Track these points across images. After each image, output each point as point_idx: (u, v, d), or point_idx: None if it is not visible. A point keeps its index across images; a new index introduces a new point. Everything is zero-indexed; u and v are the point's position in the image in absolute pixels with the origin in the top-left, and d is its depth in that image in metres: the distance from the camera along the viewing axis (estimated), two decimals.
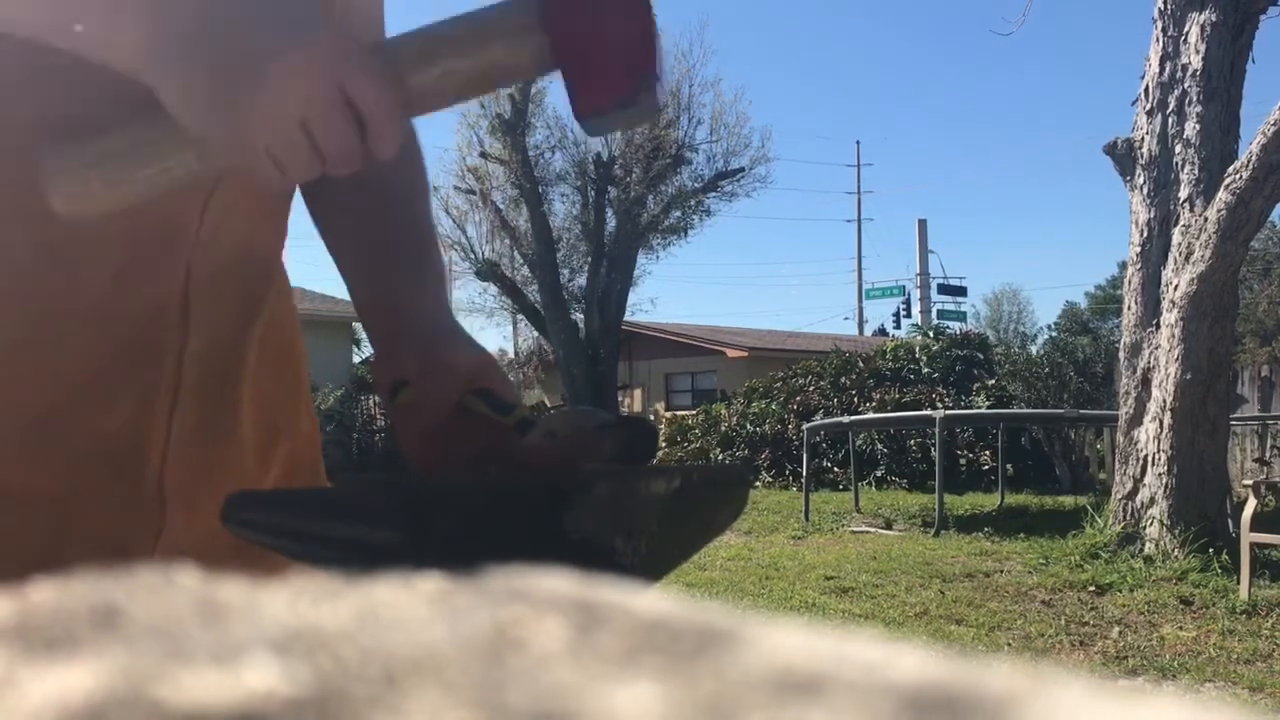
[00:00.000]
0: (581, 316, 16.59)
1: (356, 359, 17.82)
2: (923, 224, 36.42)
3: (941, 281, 35.62)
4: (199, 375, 0.69)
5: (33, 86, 0.62)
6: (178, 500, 0.68)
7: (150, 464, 0.67)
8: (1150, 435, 5.38)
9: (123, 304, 0.65)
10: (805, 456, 8.56)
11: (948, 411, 9.39)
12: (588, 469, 0.61)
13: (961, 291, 35.60)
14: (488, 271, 17.01)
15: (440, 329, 0.71)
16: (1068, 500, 8.45)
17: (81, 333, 0.64)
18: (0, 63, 0.61)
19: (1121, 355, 5.77)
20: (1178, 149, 5.45)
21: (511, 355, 23.34)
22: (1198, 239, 5.17)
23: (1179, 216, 5.38)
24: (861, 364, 12.94)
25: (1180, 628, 4.08)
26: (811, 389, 12.76)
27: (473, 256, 17.15)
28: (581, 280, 16.84)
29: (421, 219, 0.80)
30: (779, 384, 13.21)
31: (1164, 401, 5.29)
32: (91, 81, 0.62)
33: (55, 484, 0.64)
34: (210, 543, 0.68)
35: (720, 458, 12.08)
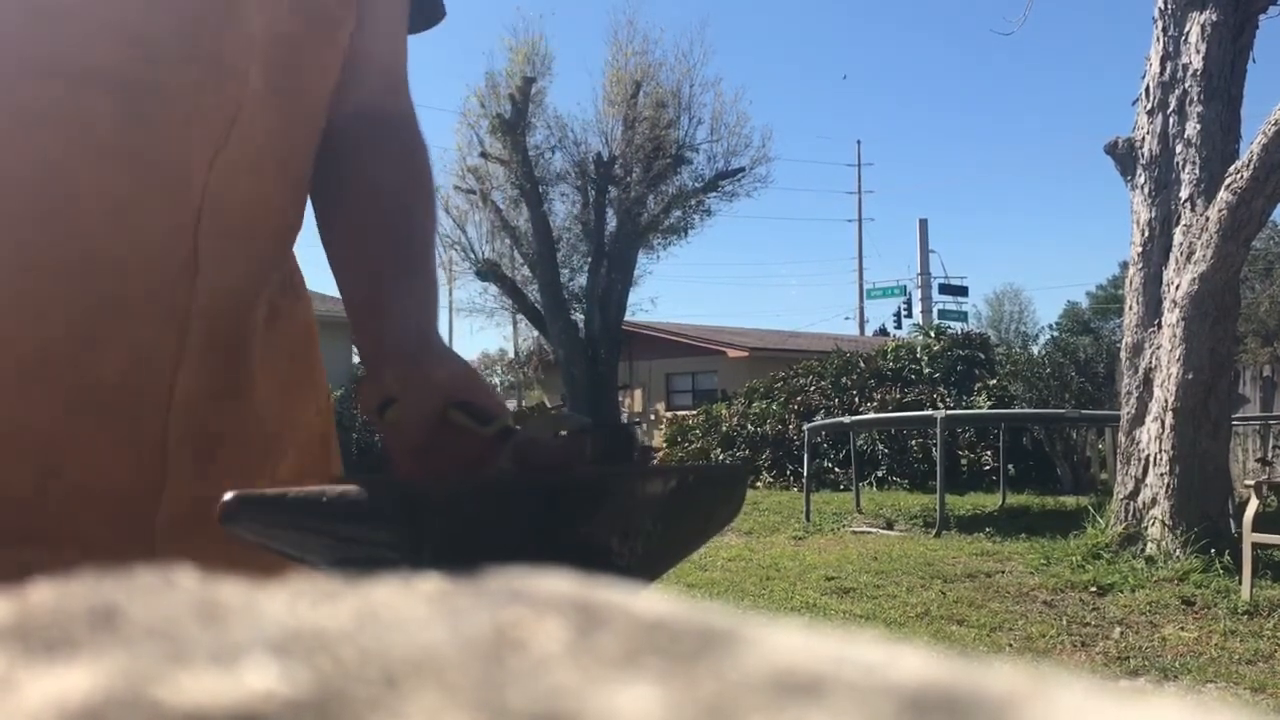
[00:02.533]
0: (582, 316, 16.59)
1: (356, 359, 17.79)
2: (924, 223, 36.46)
3: (942, 281, 35.63)
4: (207, 334, 0.69)
5: (23, 26, 0.62)
6: (183, 459, 0.68)
7: (149, 418, 0.67)
8: (1152, 435, 5.38)
9: (121, 250, 0.65)
10: (806, 457, 8.56)
11: (949, 411, 9.39)
12: (584, 470, 0.61)
13: (963, 291, 35.61)
14: (488, 271, 17.01)
15: (424, 345, 0.71)
16: (1069, 500, 8.45)
17: (74, 276, 0.64)
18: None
19: (1123, 355, 5.77)
20: (1179, 149, 5.45)
21: (511, 355, 23.36)
22: (1199, 239, 5.17)
23: (1180, 216, 5.38)
24: (862, 364, 12.94)
25: (1182, 628, 4.08)
26: (812, 389, 12.76)
27: (473, 256, 17.16)
28: (582, 280, 16.84)
29: (419, 234, 0.80)
30: (780, 384, 13.21)
31: (1166, 401, 5.29)
32: (89, 20, 0.62)
33: (44, 425, 0.63)
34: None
35: (721, 458, 12.08)
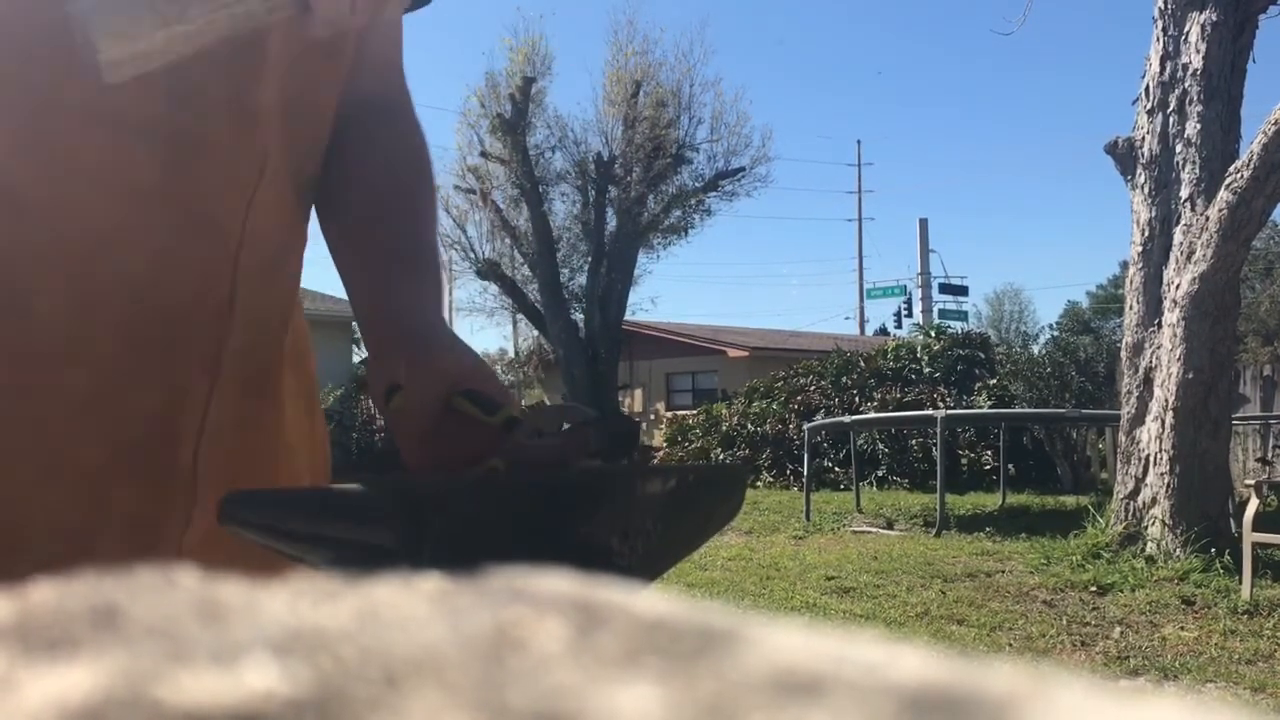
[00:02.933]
0: (582, 316, 16.60)
1: (356, 359, 17.83)
2: (924, 223, 36.44)
3: (943, 281, 35.63)
4: (237, 369, 0.71)
5: (64, 73, 0.63)
6: (209, 490, 0.69)
7: (184, 452, 0.69)
8: (1152, 435, 5.38)
9: (163, 295, 0.67)
10: (806, 456, 8.56)
11: (949, 411, 9.39)
12: (584, 468, 0.61)
13: (963, 291, 35.60)
14: (488, 271, 17.01)
15: (431, 333, 0.72)
16: (1069, 500, 8.45)
17: (120, 320, 0.66)
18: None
19: (1123, 355, 5.77)
20: (1179, 148, 5.45)
21: (511, 355, 23.37)
22: (1199, 238, 5.17)
23: (1180, 216, 5.38)
24: (863, 363, 12.94)
25: (1182, 628, 4.07)
26: (813, 389, 12.76)
27: (473, 256, 17.16)
28: (582, 279, 16.84)
29: (423, 228, 0.81)
30: (780, 384, 13.21)
31: (1166, 401, 5.29)
32: None
33: (92, 461, 0.66)
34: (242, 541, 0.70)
35: (721, 457, 12.08)
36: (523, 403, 0.72)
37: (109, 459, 0.66)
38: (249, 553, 0.54)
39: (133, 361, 0.66)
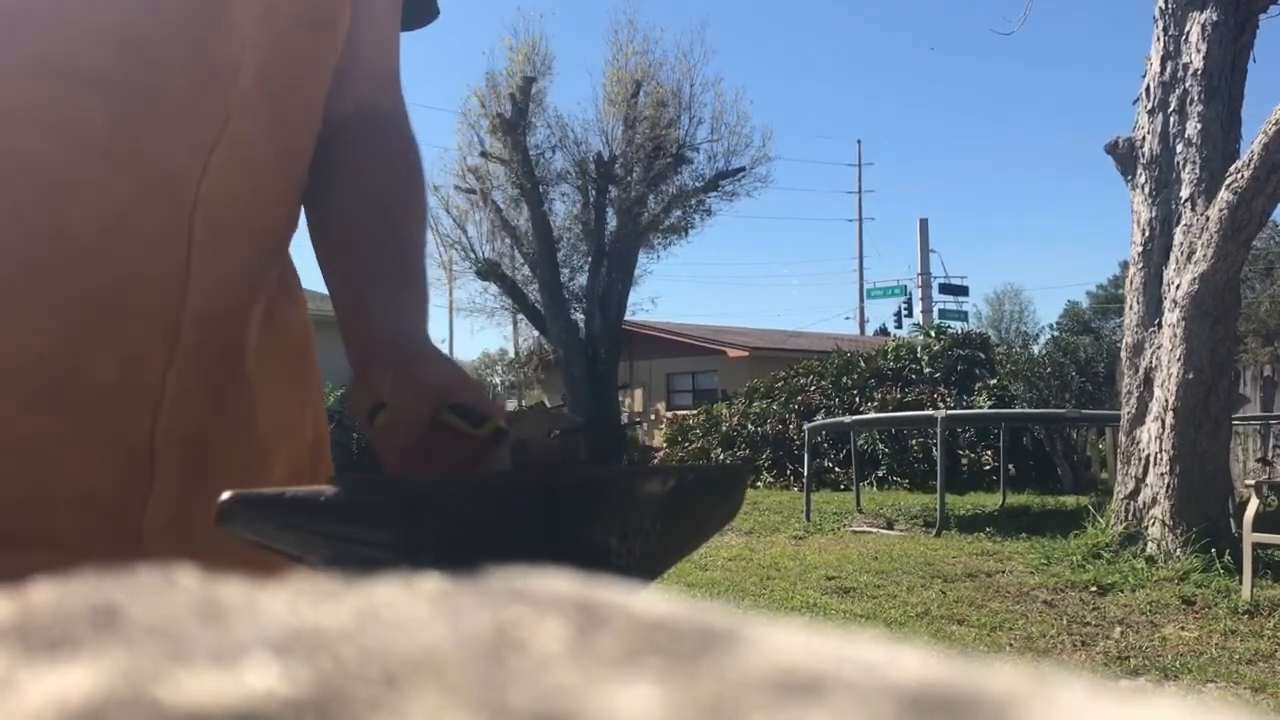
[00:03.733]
0: (582, 316, 16.58)
1: None
2: (924, 223, 36.45)
3: (943, 281, 35.63)
4: (199, 339, 0.69)
5: (11, 27, 0.62)
6: (170, 464, 0.67)
7: (138, 422, 0.66)
8: (1152, 435, 5.38)
9: (114, 255, 0.65)
10: (806, 456, 8.56)
11: (949, 411, 9.39)
12: (582, 469, 0.61)
13: (963, 291, 35.60)
14: (488, 271, 17.00)
15: (414, 348, 0.71)
16: (1069, 500, 8.45)
17: (70, 280, 0.64)
18: None
19: (1123, 355, 5.77)
20: (1179, 148, 5.45)
21: (512, 355, 23.37)
22: (1199, 238, 5.17)
23: (1180, 216, 5.38)
24: (863, 364, 12.94)
25: (1182, 628, 4.07)
26: (813, 389, 12.76)
27: (473, 256, 17.15)
28: (582, 280, 16.84)
29: (410, 244, 0.80)
30: (780, 384, 13.21)
31: (1166, 401, 5.29)
32: (78, 20, 0.62)
33: (33, 426, 0.63)
34: (207, 519, 0.68)
35: (721, 457, 12.08)
36: (523, 403, 0.71)
37: (53, 427, 0.63)
38: (219, 544, 0.53)
39: (80, 323, 0.64)
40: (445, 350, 0.84)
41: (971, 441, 11.00)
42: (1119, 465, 5.72)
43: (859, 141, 67.07)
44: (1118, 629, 4.10)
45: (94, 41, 0.63)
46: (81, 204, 0.64)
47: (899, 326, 31.81)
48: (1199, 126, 5.35)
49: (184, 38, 0.66)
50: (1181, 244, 5.31)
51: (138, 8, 0.65)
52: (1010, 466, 9.74)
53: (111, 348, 0.65)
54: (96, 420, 0.65)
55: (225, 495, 0.49)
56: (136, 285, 0.66)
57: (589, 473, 0.61)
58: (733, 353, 20.80)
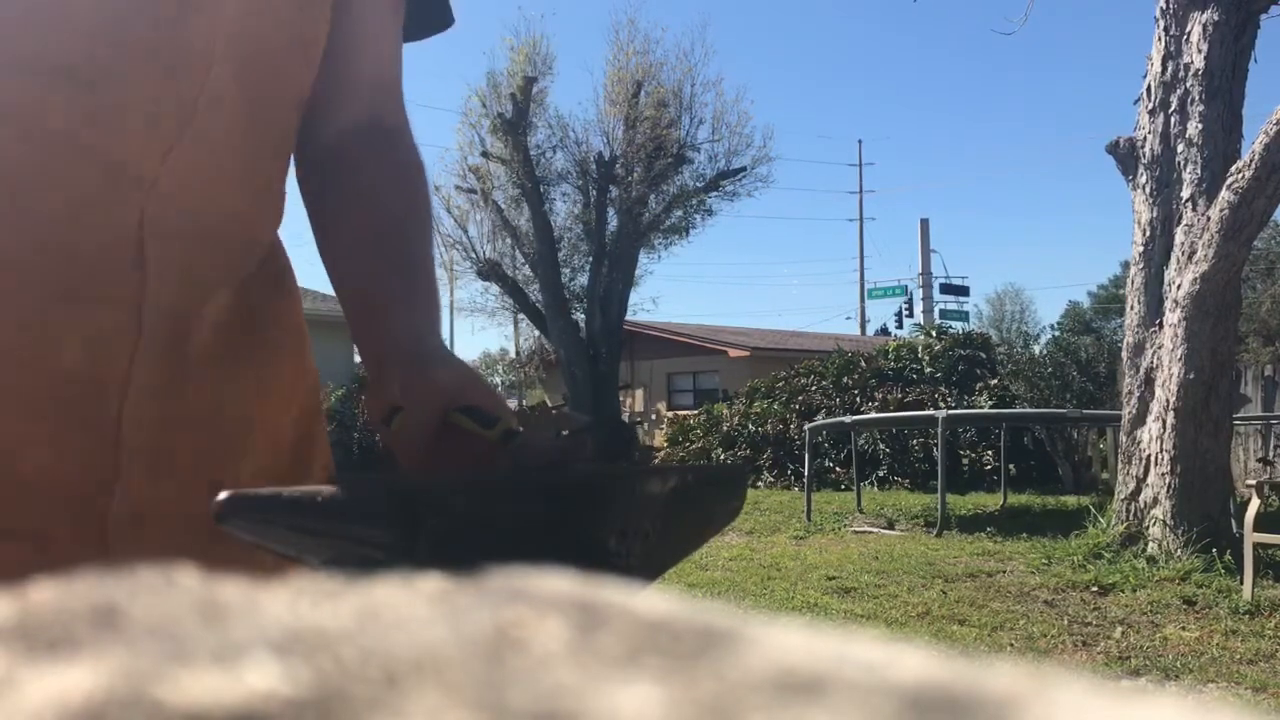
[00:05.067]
0: (583, 316, 16.59)
1: (358, 359, 17.78)
2: (925, 223, 36.45)
3: (944, 281, 35.63)
4: (162, 330, 0.68)
5: None
6: (136, 455, 0.67)
7: (103, 411, 0.66)
8: (1153, 435, 5.38)
9: (70, 243, 0.65)
10: (807, 456, 8.56)
11: (950, 411, 9.39)
12: (583, 469, 0.61)
13: (964, 291, 35.60)
14: (489, 271, 17.01)
15: (426, 352, 0.71)
16: (1070, 500, 8.45)
17: (27, 267, 0.64)
18: None
19: (1124, 355, 5.77)
20: (1180, 148, 5.44)
21: (513, 355, 23.37)
22: (1200, 238, 5.17)
23: (1181, 216, 5.38)
24: (864, 364, 12.94)
25: (1183, 628, 4.07)
26: (814, 389, 12.76)
27: (474, 256, 17.15)
28: (583, 280, 16.84)
29: (417, 249, 0.80)
30: (781, 384, 13.21)
31: (1167, 401, 5.28)
32: (42, 12, 0.62)
33: (0, 417, 0.63)
34: (174, 509, 0.67)
35: (722, 457, 12.08)
36: (524, 403, 0.72)
37: (16, 415, 0.63)
38: (183, 535, 0.53)
39: (45, 311, 0.64)
40: None
41: (972, 441, 10.99)
42: (1120, 465, 5.72)
43: (859, 141, 67.07)
44: (1119, 629, 4.10)
45: (63, 32, 0.63)
46: (43, 196, 0.64)
47: (900, 326, 31.84)
48: (1200, 126, 5.35)
49: (147, 32, 0.66)
50: (1182, 244, 5.31)
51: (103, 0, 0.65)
52: (1011, 466, 9.74)
53: (75, 337, 0.65)
54: (63, 410, 0.65)
55: (223, 495, 0.49)
56: (96, 276, 0.66)
57: (589, 473, 0.61)
58: (734, 353, 20.80)
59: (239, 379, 0.76)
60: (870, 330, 35.29)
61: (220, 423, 0.74)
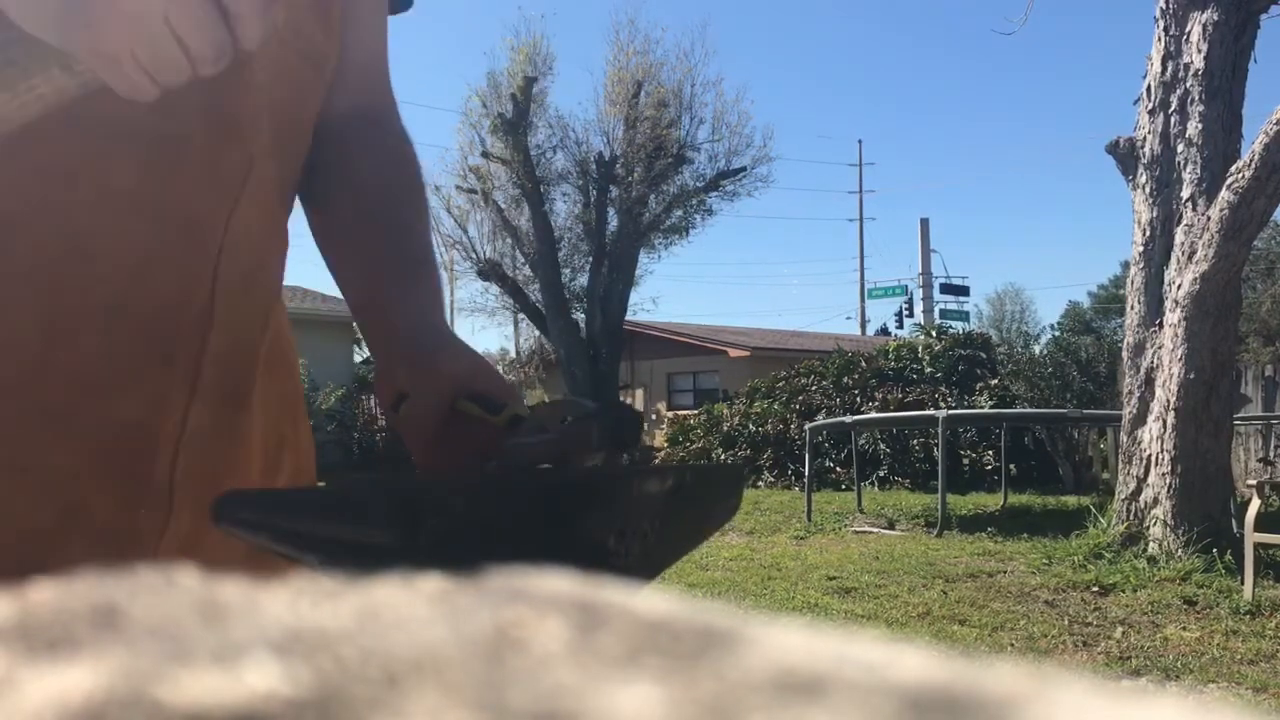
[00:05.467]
0: (583, 316, 16.59)
1: (358, 359, 17.83)
2: (925, 223, 36.45)
3: (944, 281, 35.64)
4: (216, 377, 0.70)
5: None
6: (185, 498, 0.69)
7: (161, 460, 0.68)
8: (1154, 435, 5.38)
9: (141, 301, 0.66)
10: (808, 456, 8.55)
11: (951, 411, 9.38)
12: (582, 467, 0.61)
13: (964, 291, 35.60)
14: (489, 271, 17.01)
15: (432, 337, 0.72)
16: (1071, 500, 8.45)
17: (98, 327, 0.65)
18: None
19: (1125, 355, 5.77)
20: (1180, 148, 5.44)
21: (513, 355, 23.39)
22: (1200, 238, 5.17)
23: (1181, 216, 5.38)
24: (864, 364, 12.94)
25: (1184, 628, 4.07)
26: (814, 389, 12.76)
27: (474, 256, 17.16)
28: (583, 280, 16.84)
29: (417, 232, 0.81)
30: (781, 384, 13.21)
31: (1167, 401, 5.28)
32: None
33: (67, 465, 0.64)
34: (219, 547, 0.68)
35: (722, 457, 12.08)
36: (525, 401, 0.72)
37: (83, 466, 0.65)
38: (228, 557, 0.54)
39: (110, 369, 0.65)
40: None
41: (973, 441, 10.99)
42: (1120, 465, 5.72)
43: (860, 141, 67.13)
44: (1119, 629, 4.10)
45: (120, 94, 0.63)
46: (113, 255, 0.65)
47: (900, 326, 31.84)
48: (1200, 126, 5.35)
49: (208, 93, 0.66)
50: (1182, 244, 5.30)
51: None
52: (1011, 466, 9.74)
53: (139, 391, 0.67)
54: (121, 459, 0.66)
55: (222, 495, 0.49)
56: (163, 333, 0.67)
57: (588, 472, 0.61)
58: (734, 353, 20.79)
59: (273, 406, 0.78)
60: (870, 330, 35.31)
61: (264, 450, 0.76)
